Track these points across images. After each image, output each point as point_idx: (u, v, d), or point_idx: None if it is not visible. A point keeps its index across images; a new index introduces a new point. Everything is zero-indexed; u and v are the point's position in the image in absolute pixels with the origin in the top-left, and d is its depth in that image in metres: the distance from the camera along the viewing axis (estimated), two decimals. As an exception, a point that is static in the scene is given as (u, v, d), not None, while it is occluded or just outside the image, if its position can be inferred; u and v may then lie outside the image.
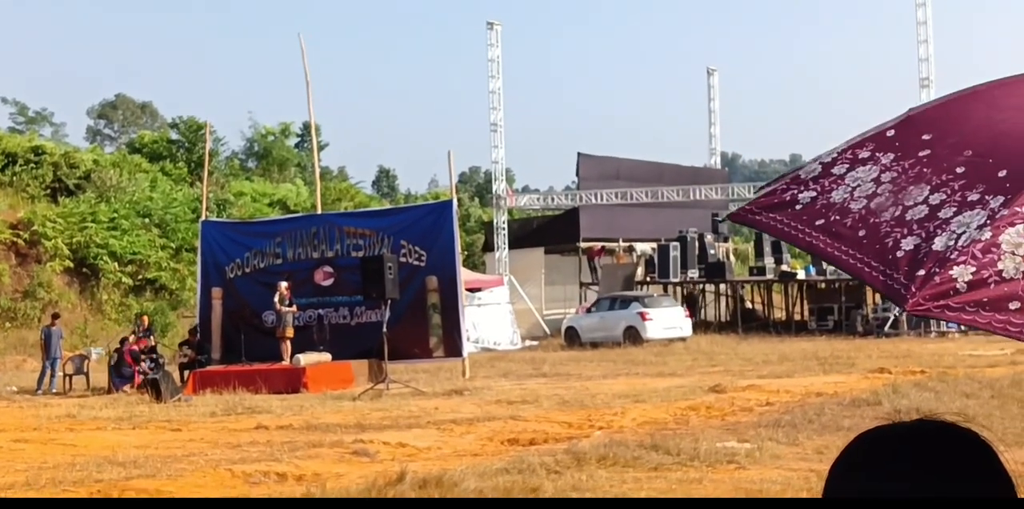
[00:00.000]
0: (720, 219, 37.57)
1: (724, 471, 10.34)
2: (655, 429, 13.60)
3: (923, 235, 1.68)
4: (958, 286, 1.57)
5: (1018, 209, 1.61)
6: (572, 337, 34.26)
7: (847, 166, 1.92)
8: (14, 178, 41.70)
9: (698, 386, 18.68)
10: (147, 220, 42.19)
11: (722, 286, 41.74)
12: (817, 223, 1.86)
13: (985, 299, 1.56)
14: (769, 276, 38.85)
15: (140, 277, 40.97)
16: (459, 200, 31.15)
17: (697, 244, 38.93)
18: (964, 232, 1.63)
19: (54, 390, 24.74)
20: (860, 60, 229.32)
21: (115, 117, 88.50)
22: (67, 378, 25.22)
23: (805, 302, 39.22)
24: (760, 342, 31.44)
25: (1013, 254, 1.58)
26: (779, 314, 41.35)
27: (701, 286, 41.31)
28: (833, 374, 20.52)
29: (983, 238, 1.59)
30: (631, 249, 41.47)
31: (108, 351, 26.83)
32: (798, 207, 1.91)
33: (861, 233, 1.77)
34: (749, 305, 42.24)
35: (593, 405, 16.36)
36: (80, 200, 41.57)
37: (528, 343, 36.22)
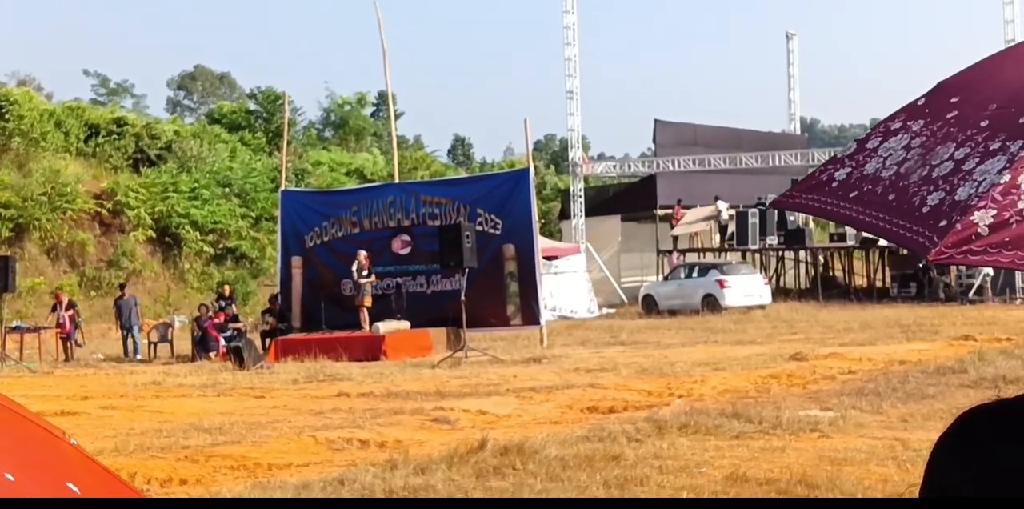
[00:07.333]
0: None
1: (807, 439, 10.23)
2: (736, 397, 13.52)
3: (947, 189, 1.67)
4: (979, 230, 1.55)
5: None
6: (649, 305, 34.10)
7: (880, 139, 1.93)
8: (97, 149, 42.38)
9: (778, 354, 18.51)
10: (227, 190, 42.73)
11: (802, 253, 41.28)
12: (851, 196, 1.86)
13: (1007, 239, 1.54)
14: (850, 243, 38.33)
15: (221, 246, 41.56)
16: (535, 168, 31.05)
17: (776, 210, 38.42)
18: (985, 179, 1.62)
19: (139, 357, 25.26)
20: (942, 22, 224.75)
21: (194, 88, 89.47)
22: (152, 346, 25.71)
23: (887, 268, 38.67)
24: (841, 309, 31.06)
25: None
26: (860, 281, 40.83)
27: (780, 253, 40.90)
28: (916, 342, 20.24)
29: (1003, 181, 1.58)
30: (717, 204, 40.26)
31: (190, 319, 27.30)
32: (835, 184, 1.91)
33: (891, 197, 1.77)
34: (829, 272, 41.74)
35: (672, 373, 16.29)
36: (162, 170, 42.17)
37: (605, 311, 36.15)
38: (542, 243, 26.97)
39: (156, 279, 39.62)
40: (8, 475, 1.86)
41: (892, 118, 1.96)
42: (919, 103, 1.95)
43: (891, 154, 1.86)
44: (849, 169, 1.91)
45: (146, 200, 39.98)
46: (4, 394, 2.17)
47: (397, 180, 28.08)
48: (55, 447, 2.15)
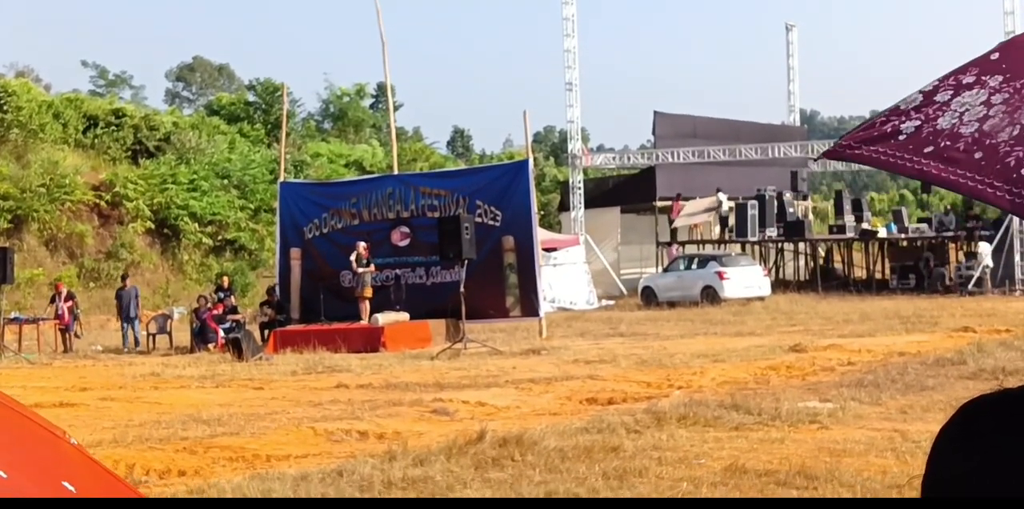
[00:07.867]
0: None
1: (806, 431, 10.23)
2: (735, 389, 13.51)
3: None
4: None
5: None
6: (648, 296, 34.10)
7: (951, 92, 1.82)
8: (96, 140, 42.32)
9: (778, 345, 18.51)
10: (226, 181, 42.68)
11: (801, 245, 41.27)
12: (926, 151, 1.76)
13: None
14: (849, 234, 38.33)
15: (220, 238, 41.54)
16: (534, 160, 31.00)
17: (776, 202, 38.41)
18: None
19: (138, 348, 25.26)
20: (942, 14, 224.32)
21: (193, 79, 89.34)
22: (151, 337, 25.70)
23: (886, 260, 38.67)
24: (840, 301, 31.07)
25: None
26: (859, 273, 40.83)
27: (780, 245, 40.87)
28: (916, 333, 20.23)
29: None
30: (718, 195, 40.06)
31: (189, 310, 27.27)
32: (902, 137, 1.80)
33: (977, 155, 1.68)
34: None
35: (671, 364, 16.28)
36: (160, 162, 42.11)
37: (604, 303, 36.14)
38: (541, 235, 26.95)
39: (155, 271, 39.60)
40: (0, 472, 1.84)
41: (962, 71, 1.85)
42: (992, 57, 1.85)
43: (968, 109, 1.77)
44: (918, 122, 1.81)
45: (145, 191, 39.92)
46: (3, 392, 2.16)
47: (396, 172, 28.03)
48: (53, 446, 2.14)
